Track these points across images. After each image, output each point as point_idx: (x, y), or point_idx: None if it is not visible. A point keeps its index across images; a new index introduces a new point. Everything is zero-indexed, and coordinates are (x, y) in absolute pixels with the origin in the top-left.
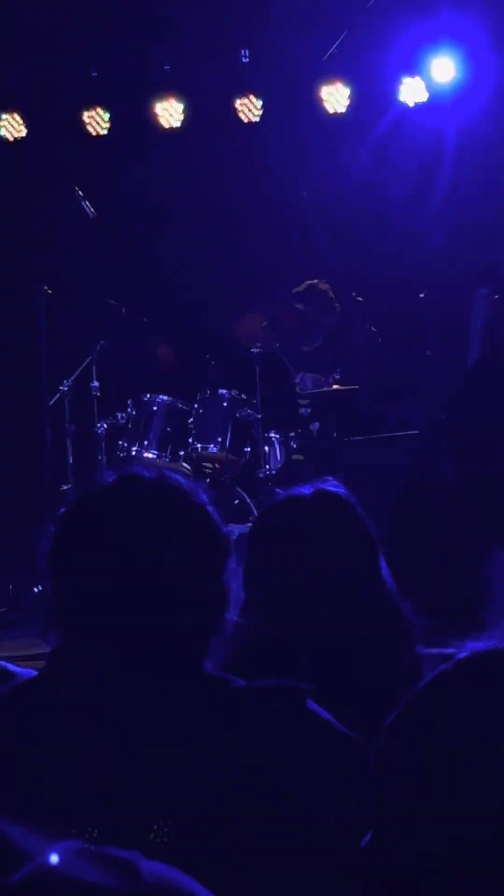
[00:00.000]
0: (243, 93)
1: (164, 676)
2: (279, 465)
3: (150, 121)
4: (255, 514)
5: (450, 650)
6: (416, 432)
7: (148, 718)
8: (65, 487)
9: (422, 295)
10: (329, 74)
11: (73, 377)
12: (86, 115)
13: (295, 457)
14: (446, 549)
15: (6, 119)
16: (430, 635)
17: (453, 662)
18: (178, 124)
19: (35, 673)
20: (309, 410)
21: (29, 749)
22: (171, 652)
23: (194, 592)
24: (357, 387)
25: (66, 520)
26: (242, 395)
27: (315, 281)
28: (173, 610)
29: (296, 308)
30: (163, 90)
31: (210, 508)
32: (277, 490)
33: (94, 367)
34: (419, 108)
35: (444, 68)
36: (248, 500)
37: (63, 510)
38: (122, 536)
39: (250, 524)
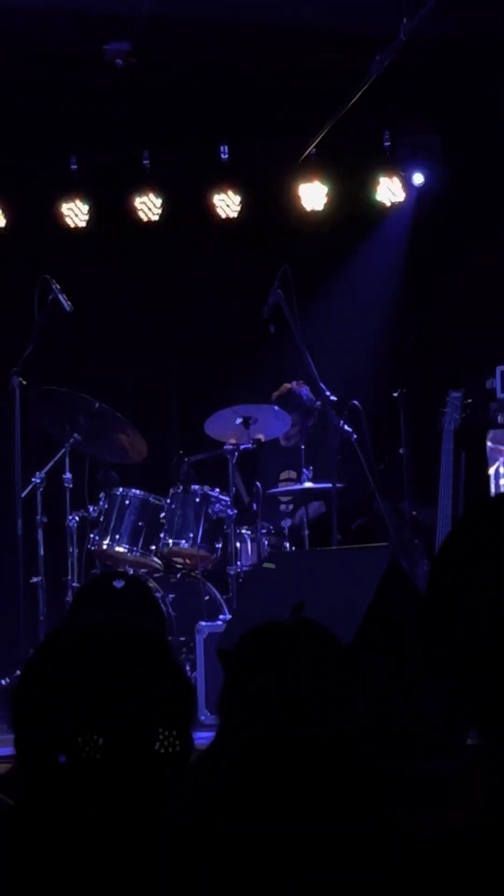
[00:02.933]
0: (221, 188)
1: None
2: (250, 563)
3: (129, 214)
4: (226, 613)
5: None
6: (386, 545)
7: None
8: (35, 580)
9: (395, 394)
10: (307, 173)
11: (45, 469)
12: (65, 207)
13: (266, 564)
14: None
15: None
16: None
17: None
18: (156, 218)
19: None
20: (291, 507)
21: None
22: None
23: (158, 741)
24: (329, 485)
25: (30, 667)
26: (216, 492)
27: (293, 384)
28: (134, 758)
29: (273, 408)
30: (142, 184)
31: (174, 656)
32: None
33: (67, 460)
34: (396, 208)
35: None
36: (219, 597)
37: (27, 662)
38: (88, 687)
39: (220, 622)
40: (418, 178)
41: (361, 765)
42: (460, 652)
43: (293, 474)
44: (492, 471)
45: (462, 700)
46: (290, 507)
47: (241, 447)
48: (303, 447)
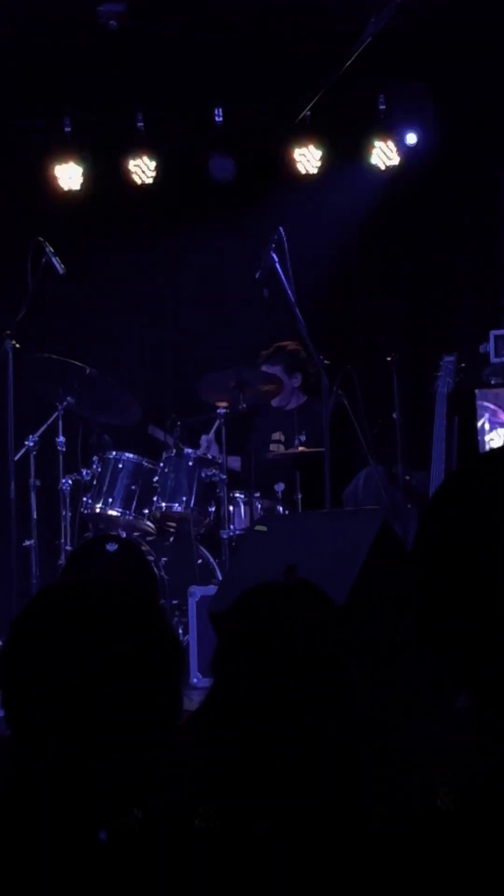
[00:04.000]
0: (215, 151)
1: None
2: (243, 527)
3: (123, 177)
4: (219, 577)
5: None
6: (378, 508)
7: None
8: (27, 543)
9: (389, 358)
10: (301, 136)
11: (38, 432)
12: (58, 170)
13: (258, 527)
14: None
15: None
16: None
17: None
18: (150, 181)
19: None
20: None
21: None
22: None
23: (146, 701)
24: (322, 449)
25: (18, 625)
26: (209, 455)
27: (284, 343)
28: (123, 718)
29: (266, 371)
30: (136, 146)
31: (165, 617)
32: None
33: (60, 423)
34: (390, 171)
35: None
36: (212, 560)
37: (15, 618)
38: (74, 645)
39: (212, 586)
40: (411, 138)
41: (353, 726)
42: (448, 614)
43: (282, 437)
44: (478, 425)
45: (450, 660)
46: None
47: (232, 410)
48: (295, 413)
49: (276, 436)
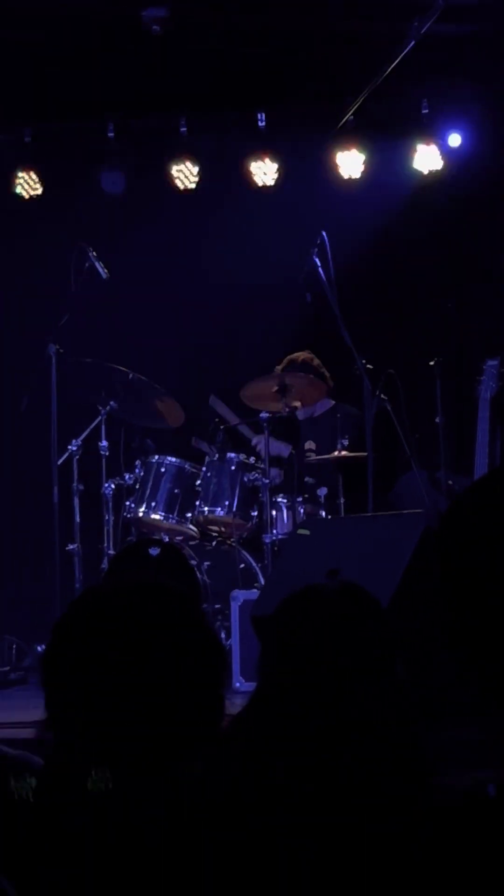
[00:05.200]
0: (258, 155)
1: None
2: (286, 531)
3: (166, 182)
4: (262, 581)
5: None
6: (420, 511)
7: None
8: (71, 547)
9: (432, 363)
10: (344, 140)
11: (81, 437)
12: (101, 174)
13: (300, 531)
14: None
15: (22, 177)
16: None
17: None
18: (192, 186)
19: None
20: (314, 480)
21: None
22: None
23: (188, 703)
24: (365, 454)
25: (62, 626)
26: (251, 460)
27: (295, 354)
28: (165, 720)
29: (308, 376)
30: (178, 151)
31: (207, 620)
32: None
33: (103, 427)
34: (433, 175)
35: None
36: (255, 565)
37: (59, 619)
38: (116, 647)
39: (255, 590)
40: (455, 140)
41: (400, 728)
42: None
43: (314, 445)
44: None
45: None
46: (314, 480)
47: (277, 415)
48: (324, 418)
49: (308, 445)
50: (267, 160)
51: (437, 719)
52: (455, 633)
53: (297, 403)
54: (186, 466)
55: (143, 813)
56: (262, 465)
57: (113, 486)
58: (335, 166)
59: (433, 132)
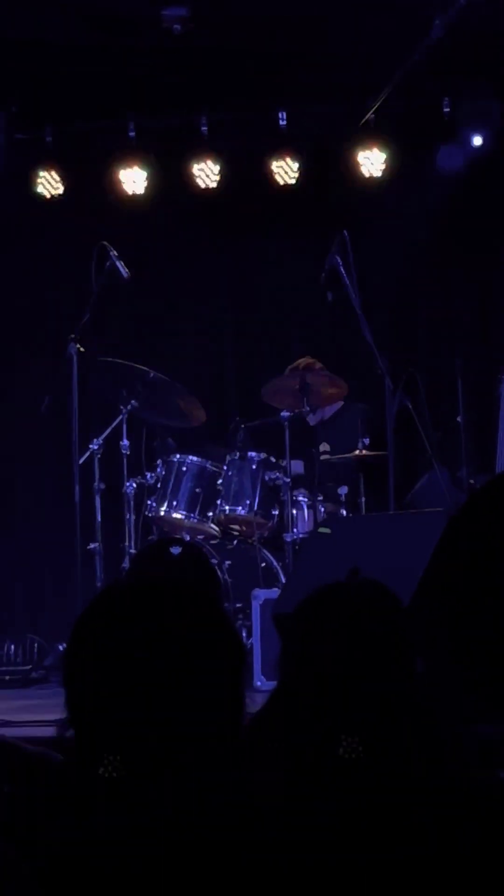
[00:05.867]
0: (279, 155)
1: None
2: (307, 530)
3: (187, 181)
4: (282, 580)
5: None
6: (441, 510)
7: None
8: (92, 546)
9: (454, 363)
10: (366, 139)
11: (103, 436)
12: (122, 174)
13: (321, 529)
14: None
15: (44, 176)
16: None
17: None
18: (214, 185)
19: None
20: (334, 483)
21: None
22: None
23: (209, 702)
24: (385, 453)
25: (82, 624)
26: (271, 458)
27: (300, 360)
28: (185, 719)
29: (328, 374)
30: (200, 150)
31: (228, 618)
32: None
33: (124, 426)
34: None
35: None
36: (276, 563)
37: (80, 616)
38: (137, 644)
39: (276, 588)
40: (477, 140)
41: (423, 724)
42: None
43: (328, 447)
44: None
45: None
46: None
47: (298, 413)
48: (335, 418)
49: (323, 447)
50: (288, 159)
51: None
52: (462, 633)
53: (319, 403)
54: (208, 465)
55: (161, 810)
56: (284, 464)
57: (134, 484)
58: (357, 165)
59: (455, 132)
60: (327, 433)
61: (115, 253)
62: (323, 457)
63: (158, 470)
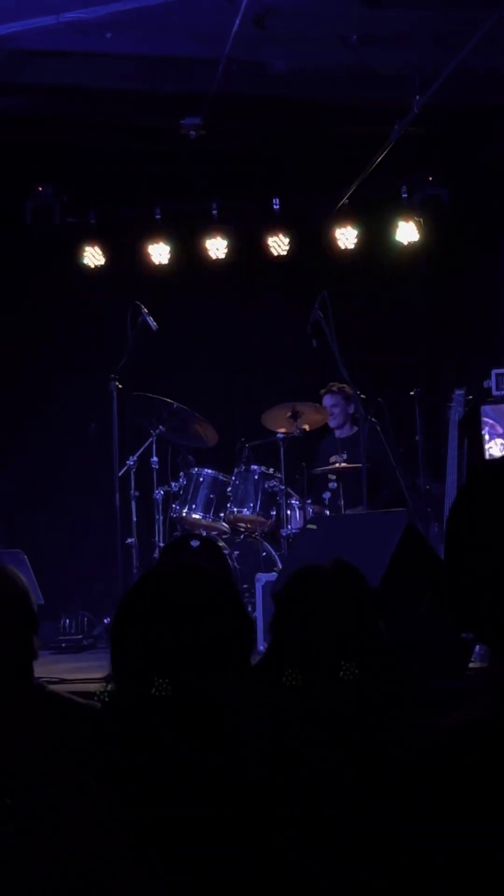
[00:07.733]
0: (274, 232)
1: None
2: (298, 526)
3: (201, 253)
4: (279, 566)
5: None
6: (404, 510)
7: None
8: (129, 541)
9: (412, 393)
10: (341, 218)
11: (137, 454)
12: (150, 248)
13: (309, 525)
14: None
15: (89, 251)
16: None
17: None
18: (223, 256)
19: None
20: (336, 484)
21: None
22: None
23: (225, 659)
24: (360, 465)
25: (125, 602)
26: (270, 470)
27: (334, 382)
28: (206, 672)
29: (314, 404)
30: (211, 229)
31: (239, 596)
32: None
33: (154, 446)
34: (412, 246)
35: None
36: (274, 553)
37: (123, 596)
38: (169, 617)
39: (274, 573)
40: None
41: (384, 675)
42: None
43: (340, 459)
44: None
45: (473, 616)
46: (336, 484)
47: (290, 435)
48: (350, 440)
49: (334, 458)
50: (280, 235)
51: (418, 675)
52: (451, 600)
53: (306, 426)
54: (220, 476)
55: (192, 741)
56: (279, 475)
57: (162, 492)
58: (334, 239)
59: (411, 211)
60: (345, 448)
61: (146, 310)
62: (319, 469)
63: (181, 480)
